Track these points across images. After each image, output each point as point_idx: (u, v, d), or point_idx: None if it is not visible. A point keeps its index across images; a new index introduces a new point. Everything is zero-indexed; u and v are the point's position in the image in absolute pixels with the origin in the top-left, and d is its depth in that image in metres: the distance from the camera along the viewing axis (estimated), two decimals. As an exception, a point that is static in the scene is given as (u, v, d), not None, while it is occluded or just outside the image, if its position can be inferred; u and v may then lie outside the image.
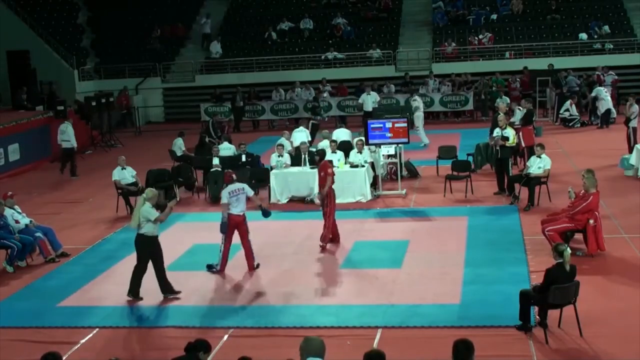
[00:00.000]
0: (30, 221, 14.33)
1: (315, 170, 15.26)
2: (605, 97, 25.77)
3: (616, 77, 28.64)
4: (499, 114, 17.98)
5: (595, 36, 31.26)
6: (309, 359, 6.57)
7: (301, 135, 20.65)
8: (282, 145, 18.71)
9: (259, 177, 18.23)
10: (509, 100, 25.12)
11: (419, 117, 24.01)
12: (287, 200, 17.54)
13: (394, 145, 18.04)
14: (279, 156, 18.07)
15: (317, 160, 14.50)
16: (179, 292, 11.71)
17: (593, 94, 26.24)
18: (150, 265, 11.64)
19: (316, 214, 14.99)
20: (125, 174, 17.45)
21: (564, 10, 33.31)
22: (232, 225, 12.62)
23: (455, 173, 17.75)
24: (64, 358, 8.65)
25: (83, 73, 32.56)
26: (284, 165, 17.85)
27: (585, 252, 12.52)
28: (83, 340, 10.31)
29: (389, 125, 17.48)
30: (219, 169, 18.42)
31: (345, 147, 18.79)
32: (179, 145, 21.39)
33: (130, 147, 26.46)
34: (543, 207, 15.58)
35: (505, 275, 11.91)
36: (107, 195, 18.43)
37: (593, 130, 25.40)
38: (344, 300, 11.47)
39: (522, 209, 15.60)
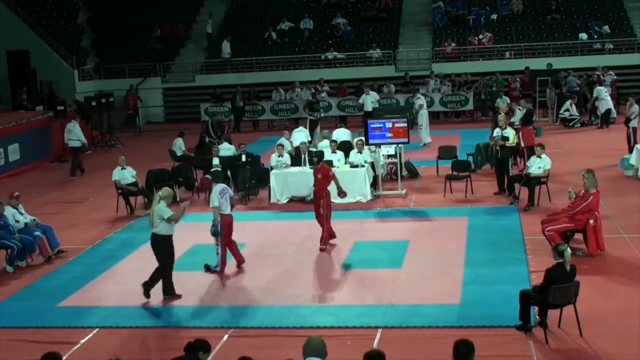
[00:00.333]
0: (34, 220, 14.34)
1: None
2: (605, 97, 25.77)
3: (615, 77, 28.64)
4: (500, 113, 17.98)
5: (595, 36, 31.26)
6: (308, 359, 6.58)
7: (301, 135, 20.66)
8: (282, 145, 18.72)
9: (259, 177, 18.24)
10: (509, 100, 25.12)
11: (423, 115, 24.01)
12: (287, 200, 17.54)
13: (394, 145, 18.05)
14: (279, 156, 18.07)
15: (315, 162, 14.42)
16: (179, 297, 11.68)
17: (595, 94, 26.23)
18: (154, 262, 11.60)
19: (316, 214, 15.00)
20: (125, 174, 17.46)
21: (564, 10, 33.31)
22: (226, 226, 12.65)
23: (455, 173, 17.75)
24: (64, 358, 8.65)
25: (83, 73, 32.56)
26: (284, 165, 17.86)
27: (585, 252, 12.52)
28: (83, 340, 10.31)
29: (389, 125, 17.48)
30: (219, 169, 18.41)
31: (345, 147, 18.81)
32: (179, 145, 21.40)
33: (130, 147, 26.47)
34: (543, 207, 15.58)
35: (505, 275, 11.91)
36: (107, 195, 18.44)
37: (593, 130, 25.40)
38: (344, 300, 11.48)
39: (522, 209, 15.60)
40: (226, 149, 19.66)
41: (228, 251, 12.84)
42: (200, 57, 33.77)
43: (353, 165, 17.55)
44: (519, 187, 16.15)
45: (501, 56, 31.42)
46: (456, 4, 34.24)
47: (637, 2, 32.71)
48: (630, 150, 18.46)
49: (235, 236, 12.95)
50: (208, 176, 13.45)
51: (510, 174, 16.97)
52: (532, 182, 15.81)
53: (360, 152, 17.83)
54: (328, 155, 17.42)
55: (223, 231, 12.59)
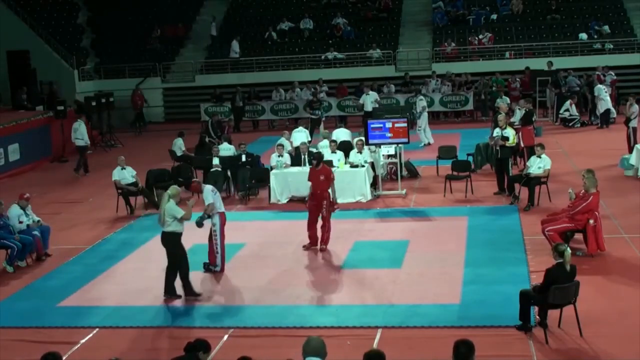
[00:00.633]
0: (38, 220, 14.34)
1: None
2: (605, 97, 25.76)
3: (615, 77, 28.63)
4: (500, 113, 17.98)
5: (595, 36, 31.26)
6: (307, 359, 6.58)
7: (301, 135, 20.65)
8: (282, 145, 18.72)
9: (259, 177, 18.23)
10: (509, 100, 25.11)
11: (425, 116, 24.04)
12: (287, 200, 17.54)
13: (394, 145, 18.05)
14: (279, 156, 18.06)
15: (314, 164, 14.34)
16: (179, 297, 11.66)
17: (595, 93, 26.22)
18: (165, 260, 11.58)
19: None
20: (125, 174, 17.45)
21: (564, 10, 33.30)
22: (223, 224, 12.64)
23: (455, 173, 17.75)
24: (64, 358, 8.65)
25: (83, 73, 32.56)
26: (284, 165, 17.85)
27: (585, 252, 12.51)
28: (83, 340, 10.31)
29: (389, 125, 17.48)
30: (219, 169, 18.44)
31: (345, 147, 18.80)
32: (179, 145, 21.40)
33: (130, 147, 26.46)
34: (543, 207, 15.58)
35: (505, 275, 11.91)
36: (107, 195, 18.44)
37: (593, 130, 25.40)
38: (344, 300, 11.48)
39: (522, 209, 15.60)
40: (226, 149, 19.66)
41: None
42: (200, 57, 33.76)
43: (353, 165, 17.54)
44: (519, 187, 16.15)
45: (501, 56, 31.41)
46: (456, 4, 34.23)
47: (637, 2, 32.70)
48: (630, 150, 18.46)
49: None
50: (196, 179, 13.64)
51: (510, 174, 16.96)
52: (532, 182, 15.80)
53: (360, 152, 17.82)
54: (328, 155, 17.43)
55: (222, 230, 12.58)
